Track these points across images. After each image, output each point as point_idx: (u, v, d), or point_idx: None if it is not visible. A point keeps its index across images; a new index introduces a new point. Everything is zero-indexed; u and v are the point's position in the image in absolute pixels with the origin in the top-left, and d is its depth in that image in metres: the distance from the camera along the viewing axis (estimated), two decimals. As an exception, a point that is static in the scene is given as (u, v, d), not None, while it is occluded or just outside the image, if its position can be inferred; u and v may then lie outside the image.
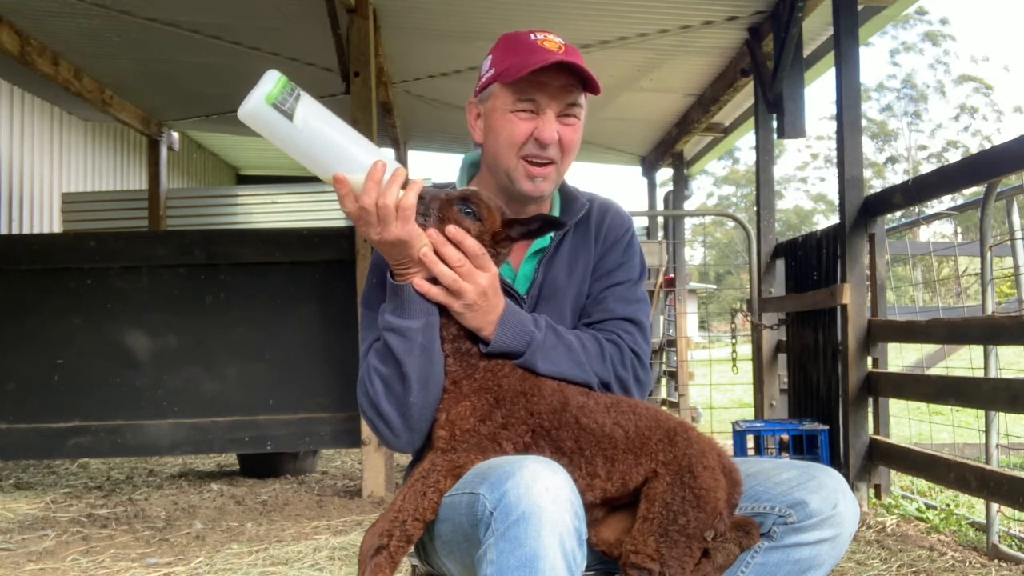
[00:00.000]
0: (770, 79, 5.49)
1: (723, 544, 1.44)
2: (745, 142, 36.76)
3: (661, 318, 9.03)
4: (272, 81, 1.38)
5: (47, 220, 9.28)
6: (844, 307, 4.29)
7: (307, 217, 9.13)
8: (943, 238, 13.06)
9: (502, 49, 1.68)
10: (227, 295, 5.03)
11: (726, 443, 5.09)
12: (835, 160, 4.62)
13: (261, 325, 5.03)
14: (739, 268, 39.24)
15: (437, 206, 1.50)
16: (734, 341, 7.26)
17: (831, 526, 1.46)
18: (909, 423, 5.43)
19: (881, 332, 4.20)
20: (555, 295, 1.70)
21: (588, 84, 1.64)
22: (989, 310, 3.45)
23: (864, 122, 8.72)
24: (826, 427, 4.40)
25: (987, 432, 3.43)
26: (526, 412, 1.47)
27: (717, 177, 48.10)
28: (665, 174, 9.91)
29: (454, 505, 1.38)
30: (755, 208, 5.96)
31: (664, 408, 5.97)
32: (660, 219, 10.00)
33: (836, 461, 4.39)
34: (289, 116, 1.38)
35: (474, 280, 1.48)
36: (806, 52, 5.57)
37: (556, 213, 1.76)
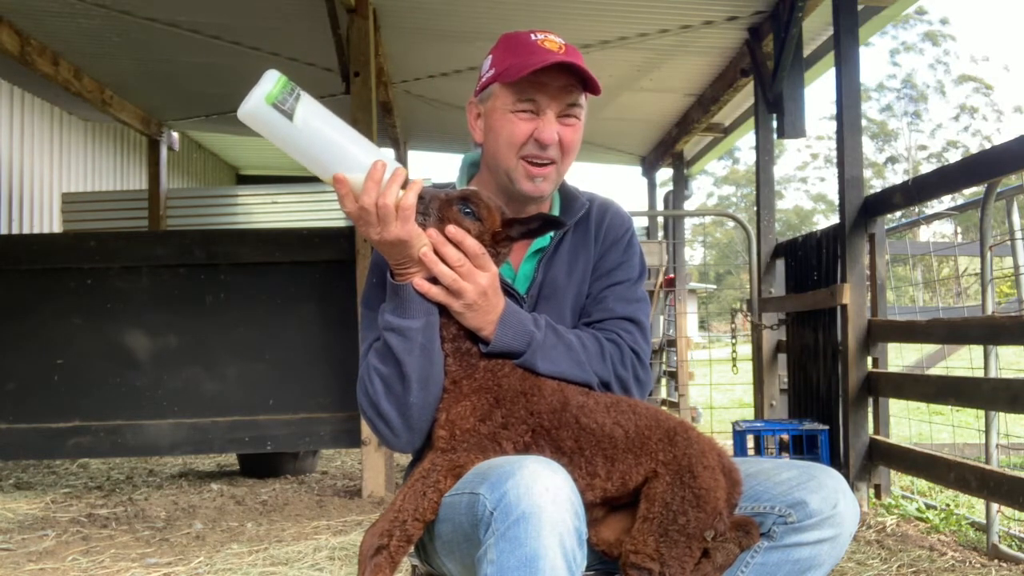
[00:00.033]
0: (770, 79, 5.49)
1: (723, 544, 1.44)
2: (745, 142, 36.80)
3: (661, 318, 9.03)
4: (272, 81, 1.38)
5: (47, 220, 9.29)
6: (844, 307, 4.29)
7: (307, 217, 9.13)
8: (943, 238, 13.06)
9: (502, 49, 1.68)
10: (227, 295, 5.03)
11: (726, 443, 5.09)
12: (835, 160, 4.62)
13: (261, 325, 5.03)
14: (739, 268, 39.25)
15: (437, 206, 1.50)
16: (734, 341, 7.26)
17: (831, 526, 1.46)
18: (909, 423, 5.43)
19: (881, 332, 4.20)
20: (555, 295, 1.70)
21: (588, 84, 1.64)
22: (989, 310, 3.45)
23: (864, 122, 8.72)
24: (826, 427, 4.40)
25: (987, 432, 3.43)
26: (526, 412, 1.47)
27: (717, 177, 48.16)
28: (665, 174, 9.93)
29: (454, 505, 1.38)
30: (755, 208, 5.96)
31: (664, 408, 5.97)
32: (660, 219, 10.00)
33: (836, 461, 4.39)
34: (289, 116, 1.38)
35: (474, 280, 1.48)
36: (806, 52, 5.57)
37: (556, 213, 1.76)
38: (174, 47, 6.52)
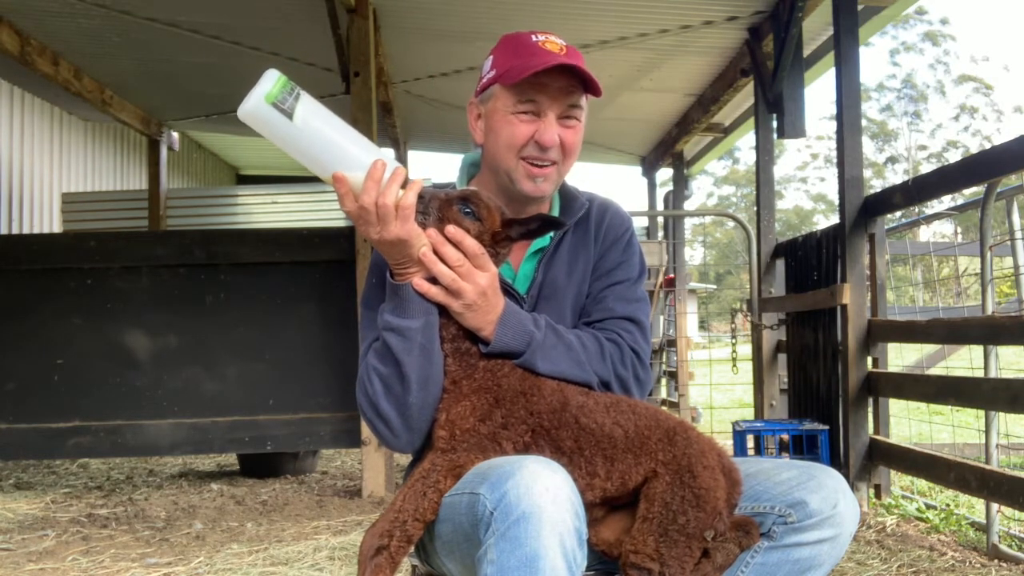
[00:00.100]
0: (770, 79, 5.49)
1: (723, 544, 1.44)
2: (745, 142, 36.80)
3: (661, 318, 9.03)
4: (272, 80, 1.38)
5: (47, 220, 9.29)
6: (844, 307, 4.29)
7: (307, 217, 9.14)
8: (943, 238, 13.06)
9: (503, 50, 1.68)
10: (227, 295, 5.03)
11: (726, 443, 5.09)
12: (835, 160, 4.62)
13: (261, 325, 5.03)
14: (739, 268, 39.25)
15: (437, 206, 1.50)
16: (734, 341, 7.26)
17: (831, 526, 1.46)
18: (909, 423, 5.43)
19: (881, 332, 4.20)
20: (555, 295, 1.70)
21: (589, 86, 1.64)
22: (989, 310, 3.45)
23: (864, 122, 8.72)
24: (826, 427, 4.40)
25: (987, 432, 3.43)
26: (526, 412, 1.47)
27: (717, 177, 48.15)
28: (665, 174, 9.93)
29: (454, 505, 1.38)
30: (755, 208, 5.96)
31: (664, 408, 5.97)
32: (660, 219, 10.00)
33: (836, 461, 4.39)
34: (289, 115, 1.38)
35: (473, 280, 1.48)
36: (806, 52, 5.57)
37: (556, 213, 1.76)
38: (174, 47, 6.52)
